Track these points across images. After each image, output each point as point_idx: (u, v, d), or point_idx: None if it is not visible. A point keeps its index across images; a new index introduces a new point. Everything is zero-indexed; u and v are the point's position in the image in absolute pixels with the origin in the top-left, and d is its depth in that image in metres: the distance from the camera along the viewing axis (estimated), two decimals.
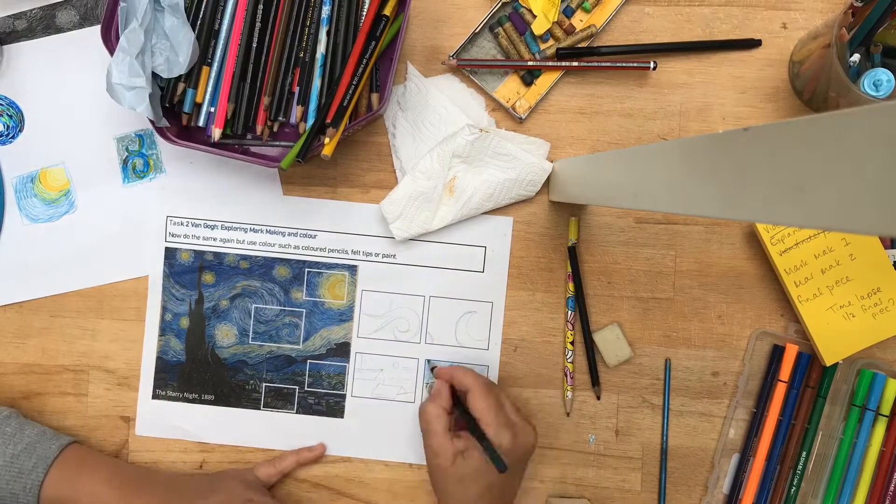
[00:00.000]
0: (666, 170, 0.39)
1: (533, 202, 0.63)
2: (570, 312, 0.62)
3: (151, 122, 0.57)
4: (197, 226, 0.63)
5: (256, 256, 0.64)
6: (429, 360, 0.63)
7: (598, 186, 0.51)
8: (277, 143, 0.62)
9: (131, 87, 0.55)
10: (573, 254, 0.62)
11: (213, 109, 0.58)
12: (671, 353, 0.63)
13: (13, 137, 0.64)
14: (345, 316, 0.64)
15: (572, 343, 0.62)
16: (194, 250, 0.63)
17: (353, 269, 0.63)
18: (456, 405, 0.57)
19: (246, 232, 0.63)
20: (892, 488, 0.61)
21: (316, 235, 0.63)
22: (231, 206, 0.63)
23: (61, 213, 0.64)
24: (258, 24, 0.58)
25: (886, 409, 0.61)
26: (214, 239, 0.63)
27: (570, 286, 0.62)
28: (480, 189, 0.61)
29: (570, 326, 0.62)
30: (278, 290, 0.64)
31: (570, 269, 0.62)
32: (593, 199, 0.53)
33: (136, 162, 0.64)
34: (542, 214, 0.63)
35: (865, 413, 0.61)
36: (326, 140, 0.54)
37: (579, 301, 0.62)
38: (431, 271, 0.63)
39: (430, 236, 0.63)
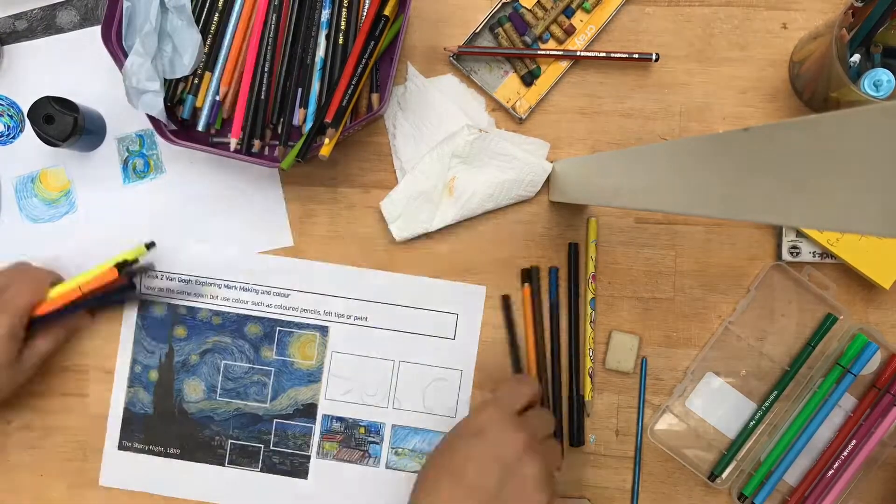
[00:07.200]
0: (666, 170, 0.39)
1: (533, 202, 0.63)
2: (592, 312, 0.62)
3: (152, 121, 0.57)
4: (171, 280, 0.63)
5: (229, 312, 0.63)
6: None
7: (599, 186, 0.51)
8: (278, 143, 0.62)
9: (147, 91, 0.55)
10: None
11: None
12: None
13: (14, 137, 0.64)
14: (313, 377, 0.63)
15: (593, 339, 0.62)
16: (168, 304, 0.63)
17: (324, 330, 0.63)
18: None
19: (220, 288, 0.63)
20: (844, 453, 0.60)
21: (289, 294, 0.63)
22: (207, 259, 0.63)
23: (62, 214, 0.64)
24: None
25: None
26: (188, 294, 0.63)
27: (593, 286, 0.62)
28: (480, 189, 0.61)
29: (590, 325, 0.62)
30: (248, 347, 0.63)
31: (592, 269, 0.62)
32: (593, 199, 0.53)
33: (137, 162, 0.64)
34: (542, 214, 0.63)
35: (846, 376, 0.61)
36: (326, 140, 0.54)
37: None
38: (402, 336, 0.63)
39: (400, 299, 0.63)
